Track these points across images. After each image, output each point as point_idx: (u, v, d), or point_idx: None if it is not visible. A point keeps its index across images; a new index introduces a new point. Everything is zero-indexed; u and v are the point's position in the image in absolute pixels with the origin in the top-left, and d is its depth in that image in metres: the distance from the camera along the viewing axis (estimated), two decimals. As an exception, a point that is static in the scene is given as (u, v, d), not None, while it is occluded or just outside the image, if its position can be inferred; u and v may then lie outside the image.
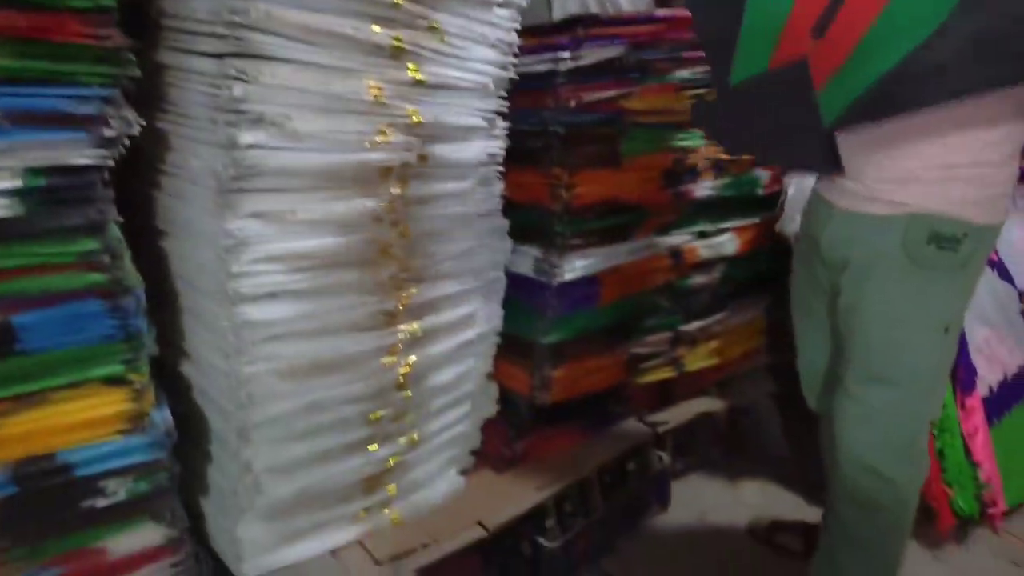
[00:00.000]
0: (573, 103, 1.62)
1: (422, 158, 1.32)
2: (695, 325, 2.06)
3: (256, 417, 1.23)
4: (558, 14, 1.93)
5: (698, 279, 2.02)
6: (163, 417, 1.18)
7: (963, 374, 2.00)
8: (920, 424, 1.43)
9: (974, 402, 2.01)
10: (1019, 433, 2.15)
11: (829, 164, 1.27)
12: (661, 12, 1.83)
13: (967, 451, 1.99)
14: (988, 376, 2.08)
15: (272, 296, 1.20)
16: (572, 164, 1.66)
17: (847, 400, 1.40)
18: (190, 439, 1.34)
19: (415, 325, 1.40)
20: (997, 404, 2.08)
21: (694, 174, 1.91)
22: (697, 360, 2.09)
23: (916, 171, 1.22)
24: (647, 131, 1.78)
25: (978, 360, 2.05)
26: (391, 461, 1.46)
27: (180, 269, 1.30)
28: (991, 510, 2.00)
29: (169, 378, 1.34)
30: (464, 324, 1.53)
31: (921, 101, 1.12)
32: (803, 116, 1.21)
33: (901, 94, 1.11)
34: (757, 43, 1.23)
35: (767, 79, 1.23)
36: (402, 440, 1.47)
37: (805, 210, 1.50)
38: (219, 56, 1.10)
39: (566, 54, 1.60)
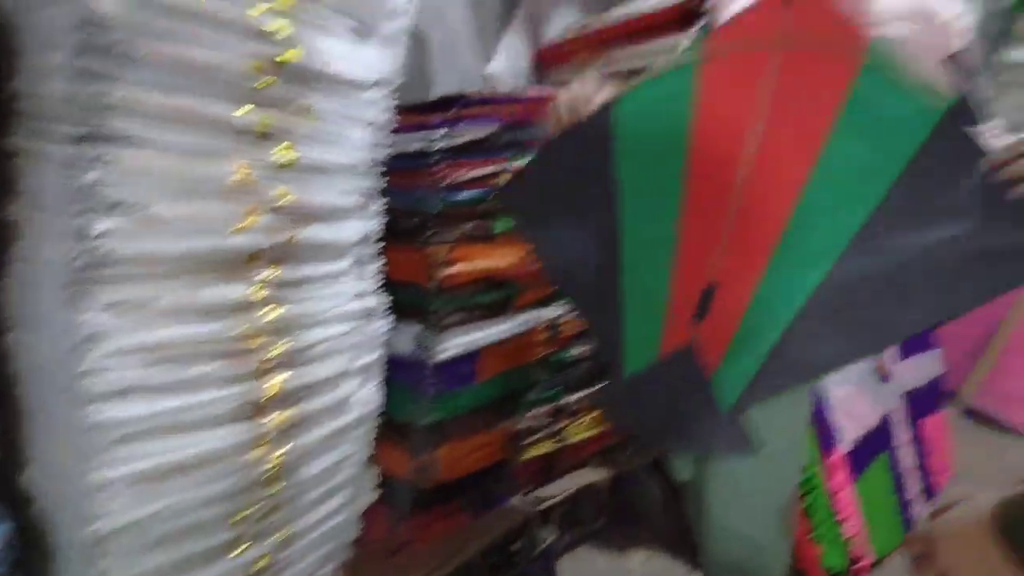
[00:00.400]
0: (448, 181, 1.63)
1: (293, 240, 1.28)
2: (576, 396, 2.07)
3: (108, 526, 1.12)
4: (437, 92, 1.96)
5: (577, 350, 2.04)
6: (2, 532, 1.06)
7: (825, 433, 2.10)
8: (788, 488, 1.48)
9: (837, 459, 2.11)
10: (880, 485, 2.28)
11: (736, 446, 1.22)
12: (533, 92, 1.88)
13: (833, 508, 2.08)
14: (849, 433, 2.19)
15: (127, 392, 1.11)
16: (447, 241, 1.66)
17: (714, 473, 1.43)
18: (36, 553, 1.21)
19: (286, 414, 1.34)
20: (858, 459, 2.20)
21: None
22: (579, 431, 2.10)
23: None
24: (522, 207, 1.81)
25: (839, 418, 2.16)
26: (261, 563, 1.37)
27: (28, 366, 1.20)
28: (859, 564, 2.09)
29: (12, 486, 1.22)
30: (340, 409, 1.47)
31: (808, 375, 1.14)
32: (700, 403, 1.19)
33: (789, 370, 1.11)
34: (642, 334, 1.22)
35: (659, 369, 1.21)
36: (272, 539, 1.38)
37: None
38: (75, 140, 1.04)
39: (441, 133, 1.62)
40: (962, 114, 0.99)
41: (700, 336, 1.17)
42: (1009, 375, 3.11)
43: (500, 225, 1.76)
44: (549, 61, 2.30)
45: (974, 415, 3.16)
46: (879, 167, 1.02)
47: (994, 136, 1.13)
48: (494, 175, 1.72)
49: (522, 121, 1.75)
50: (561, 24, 2.37)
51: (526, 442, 1.96)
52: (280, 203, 1.24)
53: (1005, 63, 2.61)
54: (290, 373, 1.33)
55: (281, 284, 1.29)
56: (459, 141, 1.64)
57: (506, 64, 2.27)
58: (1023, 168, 1.14)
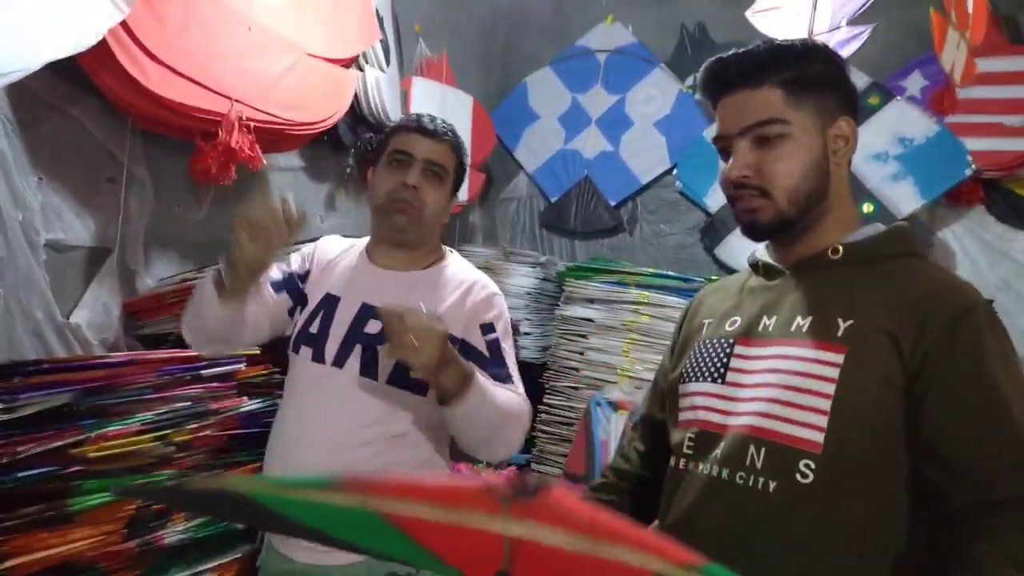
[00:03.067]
0: (6, 459, 1.41)
1: None
2: None
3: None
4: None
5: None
6: None
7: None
8: None
9: None
10: None
11: None
12: (117, 356, 1.75)
13: None
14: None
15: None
16: (5, 530, 1.41)
17: None
18: None
19: None
20: None
21: (163, 518, 1.76)
22: None
23: None
24: (106, 480, 1.61)
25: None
26: None
27: None
28: None
29: None
30: None
31: None
32: None
33: None
34: None
35: None
36: None
37: (262, 564, 1.50)
38: None
39: (-1, 405, 1.42)
40: None
41: None
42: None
43: (79, 503, 1.55)
44: (143, 313, 2.18)
45: None
46: None
47: None
48: (71, 447, 1.53)
49: (104, 387, 1.61)
50: (157, 275, 2.30)
51: None
52: None
53: (562, 316, 3.18)
54: None
55: None
56: (24, 413, 1.45)
57: (91, 316, 2.11)
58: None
